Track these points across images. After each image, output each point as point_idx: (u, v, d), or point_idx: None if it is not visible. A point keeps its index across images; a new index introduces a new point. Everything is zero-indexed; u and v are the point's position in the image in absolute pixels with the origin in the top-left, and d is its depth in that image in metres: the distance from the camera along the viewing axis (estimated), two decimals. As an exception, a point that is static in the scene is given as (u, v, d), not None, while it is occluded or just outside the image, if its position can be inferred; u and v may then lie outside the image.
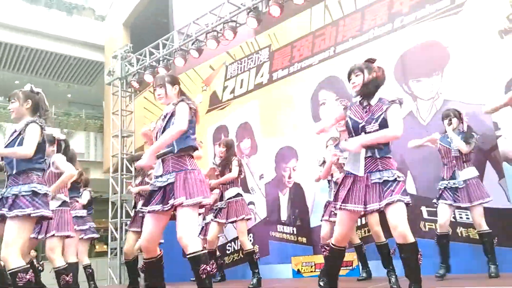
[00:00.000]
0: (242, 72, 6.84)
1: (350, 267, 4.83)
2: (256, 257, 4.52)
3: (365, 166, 2.57)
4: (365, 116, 2.62)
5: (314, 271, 5.15)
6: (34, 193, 2.71)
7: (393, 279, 3.48)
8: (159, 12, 10.77)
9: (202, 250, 2.50)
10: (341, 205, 2.60)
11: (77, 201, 4.86)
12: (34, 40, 13.31)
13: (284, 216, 5.82)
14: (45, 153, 2.94)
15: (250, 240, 6.12)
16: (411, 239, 2.43)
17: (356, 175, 2.60)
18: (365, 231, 4.74)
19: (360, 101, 2.71)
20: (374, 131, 2.56)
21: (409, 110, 4.79)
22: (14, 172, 2.74)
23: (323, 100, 5.63)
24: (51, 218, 2.93)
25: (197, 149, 2.79)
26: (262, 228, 6.04)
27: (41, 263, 6.16)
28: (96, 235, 5.43)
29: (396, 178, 2.51)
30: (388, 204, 2.45)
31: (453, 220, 4.18)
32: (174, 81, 2.84)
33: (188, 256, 2.49)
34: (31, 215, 2.66)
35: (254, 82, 6.61)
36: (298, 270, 5.38)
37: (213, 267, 2.49)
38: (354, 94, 2.76)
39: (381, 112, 2.59)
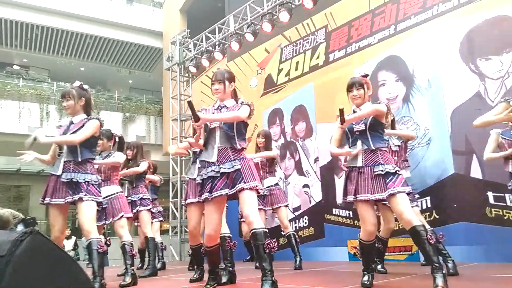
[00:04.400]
0: (298, 54, 6.77)
1: (409, 252, 4.73)
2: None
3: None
4: None
5: (371, 255, 5.09)
6: (99, 184, 3.20)
7: (449, 265, 3.43)
8: (215, -4, 10.90)
9: (265, 228, 2.74)
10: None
11: (142, 187, 5.05)
12: (97, 28, 14.03)
13: (339, 199, 5.77)
14: (97, 147, 3.50)
15: (306, 223, 6.19)
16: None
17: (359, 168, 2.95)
18: (425, 216, 4.59)
19: None
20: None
21: (476, 90, 4.53)
22: (79, 159, 3.08)
23: (382, 81, 5.45)
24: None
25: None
26: (317, 211, 6.04)
27: (108, 238, 6.68)
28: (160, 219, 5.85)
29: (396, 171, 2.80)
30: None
31: (510, 205, 4.01)
32: (232, 79, 3.05)
33: (252, 232, 2.70)
34: (98, 202, 3.14)
35: (310, 64, 6.52)
36: (355, 253, 5.33)
37: (275, 244, 2.69)
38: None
39: None
